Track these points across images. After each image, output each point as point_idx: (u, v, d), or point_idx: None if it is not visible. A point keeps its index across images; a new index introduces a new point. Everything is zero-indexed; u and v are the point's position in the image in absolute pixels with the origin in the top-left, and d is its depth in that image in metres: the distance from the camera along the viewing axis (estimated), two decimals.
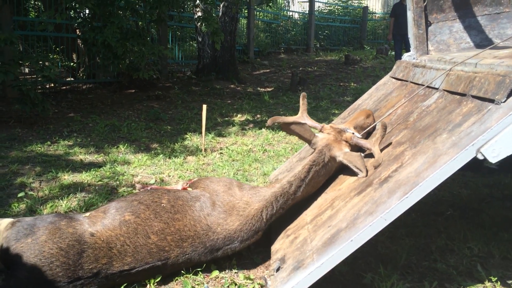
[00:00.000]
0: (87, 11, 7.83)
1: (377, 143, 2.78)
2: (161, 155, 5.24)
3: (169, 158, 5.19)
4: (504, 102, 2.11)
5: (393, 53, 14.22)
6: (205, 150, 5.58)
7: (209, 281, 2.69)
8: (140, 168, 4.83)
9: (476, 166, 4.67)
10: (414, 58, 4.03)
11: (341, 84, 10.96)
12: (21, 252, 2.37)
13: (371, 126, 3.23)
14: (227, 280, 2.68)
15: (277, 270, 2.50)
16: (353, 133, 3.02)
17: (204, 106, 5.54)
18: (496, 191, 4.22)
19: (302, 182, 2.83)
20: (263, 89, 10.62)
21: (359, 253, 2.72)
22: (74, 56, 10.02)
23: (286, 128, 3.06)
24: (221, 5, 10.91)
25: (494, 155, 1.99)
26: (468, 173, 4.66)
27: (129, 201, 2.75)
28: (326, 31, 18.81)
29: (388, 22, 20.42)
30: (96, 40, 6.85)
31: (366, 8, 20.45)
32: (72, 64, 9.72)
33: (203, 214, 2.73)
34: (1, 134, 5.98)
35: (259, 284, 2.62)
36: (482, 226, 3.36)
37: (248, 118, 7.75)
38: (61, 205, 3.76)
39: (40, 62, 7.05)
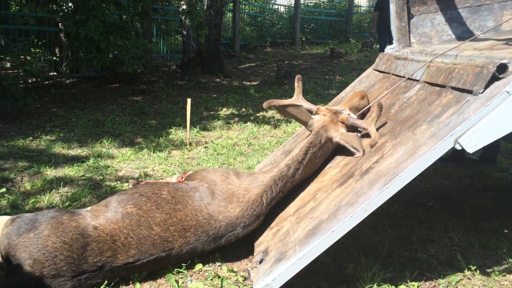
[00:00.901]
0: (69, 4, 7.70)
1: (373, 122, 2.81)
2: (146, 150, 5.21)
3: (154, 152, 5.16)
4: (481, 93, 2.13)
5: (378, 46, 14.31)
6: (190, 144, 5.56)
7: (192, 274, 2.69)
8: (124, 162, 4.79)
9: (458, 157, 4.75)
10: (396, 51, 4.06)
11: (326, 77, 10.99)
12: (23, 247, 2.34)
13: (365, 108, 3.26)
14: (211, 273, 2.69)
15: (260, 262, 2.51)
16: (348, 114, 3.05)
17: (189, 100, 5.51)
18: (477, 181, 4.28)
19: (300, 165, 2.85)
20: (248, 83, 10.60)
21: (341, 244, 2.76)
22: (56, 50, 9.87)
23: (282, 110, 3.06)
24: None
25: (471, 145, 2.02)
26: (449, 164, 4.72)
27: (130, 193, 2.74)
28: (311, 25, 18.81)
29: (373, 16, 20.63)
30: (79, 34, 6.75)
31: (351, 1, 20.47)
32: (55, 58, 9.58)
33: (204, 203, 2.74)
34: None
35: (242, 276, 2.63)
36: (463, 216, 3.41)
37: (234, 112, 7.74)
38: (43, 200, 3.72)
39: (22, 57, 6.93)
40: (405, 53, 3.78)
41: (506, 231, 3.21)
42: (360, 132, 3.01)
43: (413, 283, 2.55)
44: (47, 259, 2.32)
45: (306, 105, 3.20)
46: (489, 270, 2.70)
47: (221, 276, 2.63)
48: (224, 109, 7.92)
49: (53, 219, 2.45)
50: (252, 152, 5.31)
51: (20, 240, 2.35)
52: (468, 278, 2.62)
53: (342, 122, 2.99)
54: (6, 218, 2.61)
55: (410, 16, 4.12)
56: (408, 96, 2.96)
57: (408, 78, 3.11)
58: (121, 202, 2.65)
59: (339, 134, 2.90)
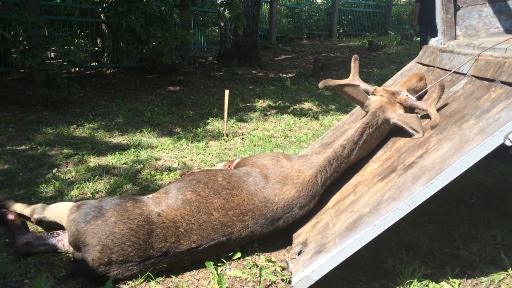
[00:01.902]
0: None
1: (434, 104, 2.75)
2: (184, 140, 5.30)
3: (192, 142, 5.24)
4: None
5: (418, 38, 13.96)
6: (227, 135, 5.62)
7: (231, 263, 2.73)
8: (163, 152, 4.89)
9: (502, 154, 4.60)
10: (441, 43, 3.95)
11: (364, 70, 10.81)
12: (92, 233, 2.43)
13: (423, 90, 3.20)
14: (249, 262, 2.72)
15: (299, 253, 2.52)
16: (407, 95, 3.00)
17: (226, 91, 5.56)
18: None
19: (355, 145, 2.85)
20: (284, 75, 10.56)
21: (381, 238, 2.72)
22: (98, 41, 10.14)
23: (340, 90, 3.02)
24: None
25: None
26: (493, 161, 4.58)
27: (187, 181, 2.82)
28: (349, 16, 18.52)
29: (414, 7, 20.09)
30: (121, 25, 6.89)
31: None
32: (96, 48, 9.83)
33: (258, 187, 2.78)
34: (28, 117, 6.12)
35: (280, 266, 2.66)
36: (507, 214, 3.32)
37: (270, 103, 7.74)
38: (88, 187, 3.85)
39: (66, 47, 7.15)
40: (450, 45, 3.68)
41: None
42: (417, 114, 2.95)
43: (455, 280, 2.51)
44: (115, 245, 2.41)
45: (363, 85, 3.16)
46: None
47: (259, 266, 2.67)
48: (260, 100, 7.94)
49: (118, 206, 2.54)
50: (288, 145, 5.31)
51: (88, 227, 2.45)
52: None
53: (400, 103, 2.95)
54: (70, 204, 2.74)
55: (456, 8, 4.00)
56: (454, 90, 2.88)
57: (455, 72, 3.03)
58: (180, 189, 2.72)
59: (396, 115, 2.86)
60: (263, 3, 14.09)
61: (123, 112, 6.63)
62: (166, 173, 4.23)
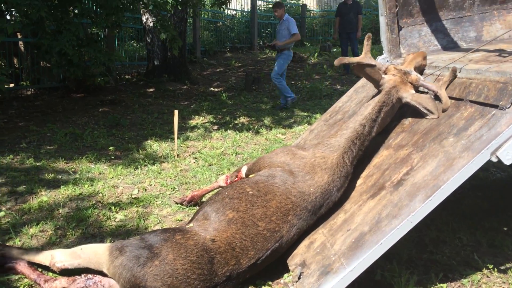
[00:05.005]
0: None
1: (444, 86, 2.89)
2: (135, 164, 5.12)
3: (144, 166, 5.08)
4: (509, 107, 2.32)
5: (336, 50, 14.75)
6: (178, 155, 5.53)
7: None
8: (118, 178, 4.70)
9: None
10: (387, 61, 4.25)
11: (293, 82, 11.18)
12: (153, 276, 2.30)
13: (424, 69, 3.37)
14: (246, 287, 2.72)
15: (299, 276, 2.57)
16: (417, 75, 3.13)
17: (176, 112, 5.48)
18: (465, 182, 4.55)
19: (374, 123, 2.96)
20: (216, 89, 10.60)
21: None
22: (15, 60, 9.42)
23: (358, 68, 3.12)
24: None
25: (508, 158, 2.19)
26: None
27: (219, 200, 2.76)
28: (268, 29, 19.03)
29: (325, 19, 21.18)
30: (51, 48, 6.50)
31: (304, 5, 20.92)
32: (15, 69, 9.14)
33: (288, 185, 2.78)
34: None
35: None
36: (465, 216, 3.64)
37: (211, 119, 7.74)
38: (47, 223, 3.59)
39: None
40: (398, 64, 3.97)
41: (505, 228, 3.46)
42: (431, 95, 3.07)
43: (441, 284, 2.71)
44: (181, 282, 2.32)
45: (375, 63, 3.26)
46: (502, 268, 2.91)
47: None
48: (200, 117, 7.90)
49: (168, 242, 2.43)
50: (242, 161, 5.35)
51: (147, 270, 2.32)
52: (487, 277, 2.82)
53: (411, 83, 3.09)
54: (104, 247, 2.57)
55: (399, 28, 4.33)
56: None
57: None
58: (218, 211, 2.67)
59: (410, 95, 3.00)
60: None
61: (59, 137, 6.24)
62: (128, 201, 4.07)
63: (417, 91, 3.14)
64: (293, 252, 2.83)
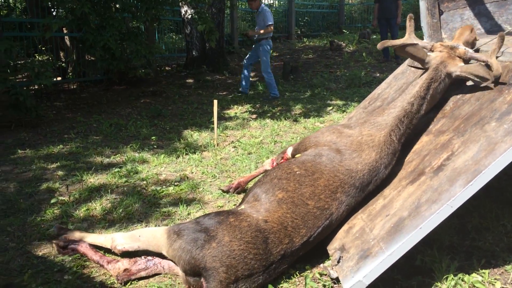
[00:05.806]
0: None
1: (494, 54, 2.86)
2: (176, 152, 5.28)
3: (186, 154, 5.23)
4: None
5: (375, 37, 14.46)
6: (217, 144, 5.65)
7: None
8: (161, 166, 4.86)
9: None
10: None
11: (331, 70, 11.09)
12: (212, 257, 2.42)
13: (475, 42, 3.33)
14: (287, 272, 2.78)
15: (338, 260, 2.62)
16: (465, 48, 3.12)
17: (215, 102, 5.58)
18: (509, 169, 4.43)
19: (423, 100, 2.97)
20: (254, 79, 10.66)
21: None
22: (62, 54, 9.83)
23: (400, 50, 3.13)
24: None
25: None
26: None
27: (268, 181, 2.85)
28: (306, 18, 18.88)
29: (364, 6, 20.79)
30: (95, 42, 6.76)
31: None
32: (61, 63, 9.54)
33: (336, 163, 2.84)
34: (7, 139, 5.89)
35: (319, 273, 2.74)
36: (509, 204, 3.56)
37: (249, 109, 7.82)
38: (95, 208, 3.79)
39: (36, 70, 6.88)
40: None
41: None
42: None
43: (484, 270, 2.69)
44: (239, 262, 2.42)
45: (420, 43, 3.25)
46: None
47: (297, 274, 2.74)
48: (239, 107, 8.00)
49: (223, 224, 2.54)
50: (280, 150, 5.39)
51: (205, 252, 2.43)
52: None
53: (460, 57, 3.07)
54: (161, 230, 2.69)
55: (440, 13, 4.24)
56: (461, 92, 3.08)
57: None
58: (268, 192, 2.76)
59: (458, 68, 2.98)
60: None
61: (104, 127, 6.50)
62: (171, 188, 4.22)
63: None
64: (332, 237, 2.88)
